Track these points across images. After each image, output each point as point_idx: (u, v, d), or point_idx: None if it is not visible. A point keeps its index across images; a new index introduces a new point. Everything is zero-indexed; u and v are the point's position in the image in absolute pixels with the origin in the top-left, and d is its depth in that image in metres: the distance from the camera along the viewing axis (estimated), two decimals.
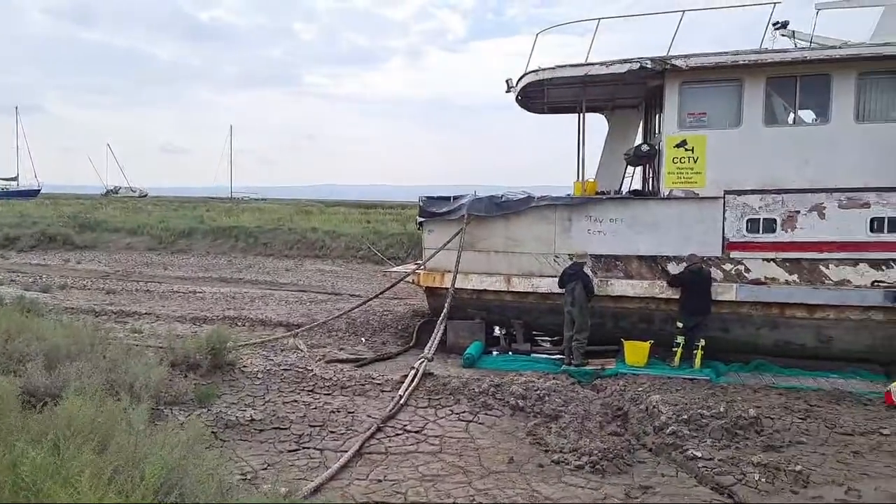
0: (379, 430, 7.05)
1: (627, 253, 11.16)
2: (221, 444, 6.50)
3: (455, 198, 12.24)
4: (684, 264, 10.54)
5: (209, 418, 7.03)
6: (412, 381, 8.45)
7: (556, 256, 11.49)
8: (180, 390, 7.46)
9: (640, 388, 8.69)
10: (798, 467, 5.98)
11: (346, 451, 6.42)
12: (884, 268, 10.08)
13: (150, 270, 21.73)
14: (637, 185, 13.93)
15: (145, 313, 13.77)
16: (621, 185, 13.95)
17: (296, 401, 7.97)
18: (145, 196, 77.82)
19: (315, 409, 7.70)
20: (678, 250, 10.75)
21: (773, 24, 11.55)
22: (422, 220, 12.43)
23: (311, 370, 9.13)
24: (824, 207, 10.25)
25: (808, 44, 11.39)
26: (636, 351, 10.35)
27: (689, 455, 6.43)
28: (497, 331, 12.32)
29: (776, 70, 10.37)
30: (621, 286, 11.02)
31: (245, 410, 7.52)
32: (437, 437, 6.99)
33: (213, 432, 6.67)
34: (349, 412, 7.63)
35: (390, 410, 7.52)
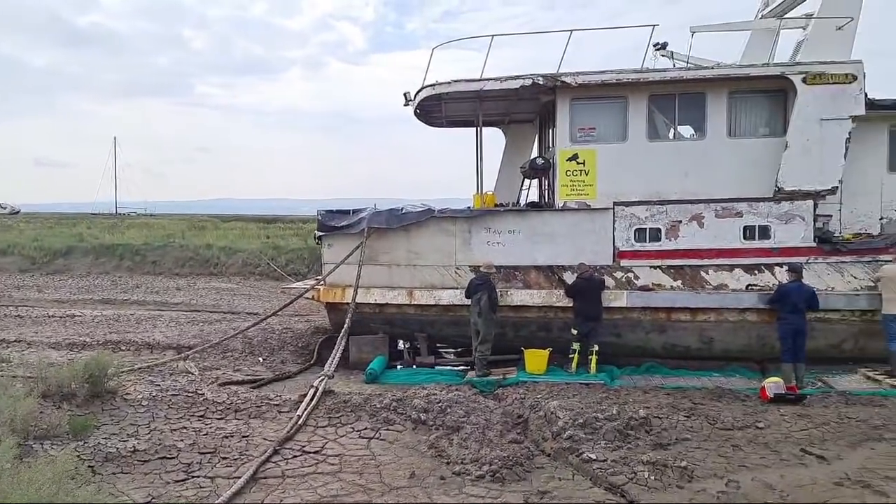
0: (275, 452, 6.76)
1: (526, 263, 11.42)
2: (100, 479, 6.00)
3: (354, 211, 12.10)
4: (577, 274, 10.91)
5: (86, 451, 6.49)
6: (311, 400, 8.19)
7: (458, 268, 11.58)
8: (52, 423, 6.84)
9: (539, 396, 8.86)
10: (683, 463, 6.28)
11: (240, 478, 6.10)
12: (756, 272, 10.88)
13: (21, 294, 19.99)
14: (534, 197, 14.34)
15: (14, 341, 12.60)
16: (518, 197, 14.31)
17: (185, 427, 7.51)
18: (17, 213, 71.52)
19: (206, 435, 7.29)
20: (573, 260, 11.12)
21: (654, 45, 12.28)
22: (320, 234, 12.19)
23: (203, 394, 8.66)
24: (703, 217, 10.95)
25: (686, 64, 12.19)
26: (536, 359, 10.57)
27: (585, 458, 6.59)
28: (401, 344, 12.27)
29: (657, 88, 11.02)
30: (520, 296, 11.25)
31: (127, 441, 7.00)
32: (336, 456, 6.79)
33: (90, 466, 6.16)
34: (244, 436, 7.28)
35: (288, 432, 7.24)
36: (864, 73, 10.45)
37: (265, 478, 6.26)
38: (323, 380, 8.88)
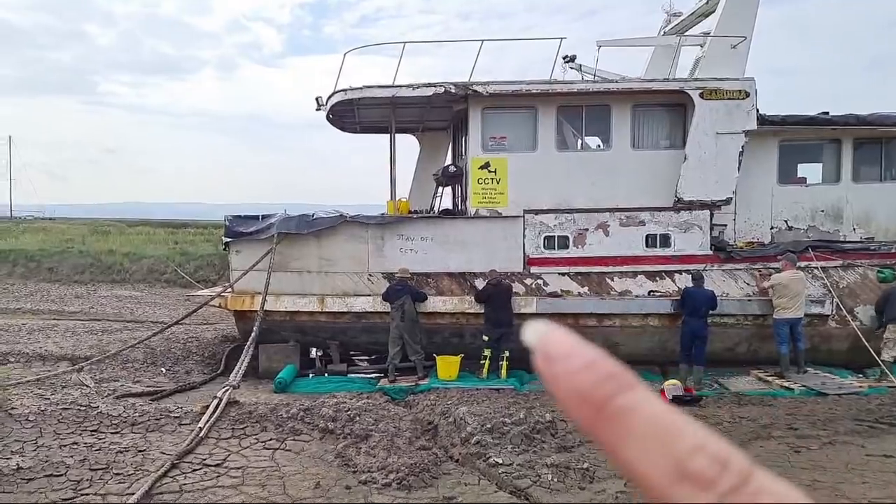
0: (174, 467, 6.47)
1: (438, 270, 11.47)
2: None
3: (264, 217, 11.80)
4: (487, 281, 11.02)
5: None
6: (214, 411, 7.90)
7: (370, 275, 11.49)
8: None
9: (449, 402, 8.90)
10: (585, 465, 6.48)
11: (133, 494, 5.80)
12: (657, 279, 11.38)
13: None
14: (448, 205, 14.45)
15: None
16: (432, 204, 14.38)
17: (76, 443, 7.07)
18: None
19: (98, 450, 6.89)
20: (485, 266, 11.24)
21: (563, 58, 12.66)
22: (228, 240, 11.80)
23: (97, 407, 8.18)
24: (608, 225, 11.35)
25: (593, 77, 12.62)
26: (448, 365, 10.63)
27: (492, 462, 6.69)
28: (313, 353, 12.05)
29: (565, 100, 11.34)
30: (433, 302, 11.27)
31: (10, 458, 6.52)
32: (239, 468, 6.57)
33: None
34: (140, 451, 6.92)
35: (188, 445, 6.94)
36: (756, 90, 11.13)
37: (161, 493, 5.98)
38: (227, 390, 8.59)
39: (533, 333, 0.45)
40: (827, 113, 11.93)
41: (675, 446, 0.40)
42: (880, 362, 10.25)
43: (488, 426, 7.47)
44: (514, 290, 11.03)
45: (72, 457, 6.69)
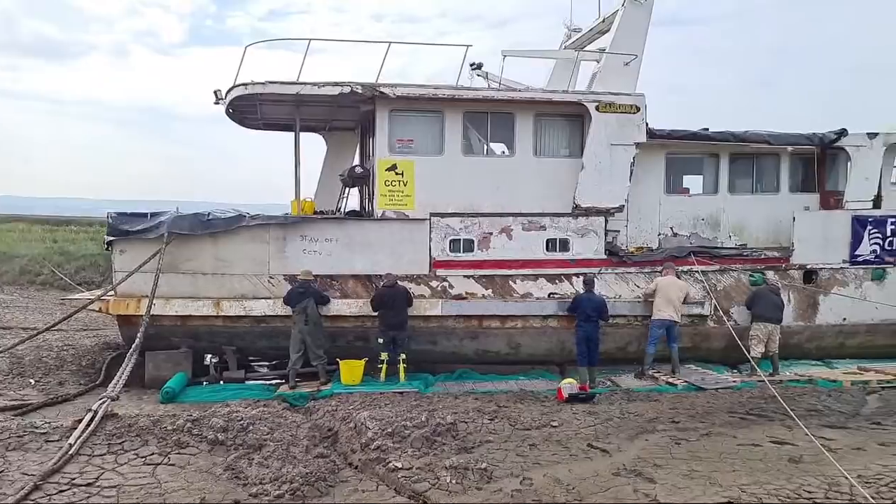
0: (36, 488, 5.82)
1: (343, 272, 11.21)
2: None
3: (153, 214, 11.04)
4: (382, 283, 10.83)
5: None
6: (88, 425, 7.22)
7: (271, 277, 11.05)
8: None
9: (351, 407, 8.66)
10: (483, 465, 6.45)
11: None
12: (556, 282, 11.68)
13: None
14: (356, 206, 14.17)
15: None
16: (339, 205, 14.06)
17: None
18: None
19: None
20: (391, 269, 11.07)
21: (471, 65, 12.82)
22: (111, 238, 10.96)
23: None
24: (511, 230, 11.55)
25: (498, 85, 12.82)
26: (351, 370, 10.39)
27: (391, 467, 6.52)
28: (207, 359, 11.40)
29: (471, 106, 11.46)
30: (337, 305, 11.00)
31: None
32: (113, 487, 6.01)
33: None
34: None
35: (54, 464, 6.28)
36: (646, 105, 11.70)
37: None
38: (104, 402, 7.90)
39: None
40: (707, 129, 12.73)
41: None
42: (749, 358, 11.04)
43: (389, 430, 7.32)
44: (411, 293, 10.88)
45: None
